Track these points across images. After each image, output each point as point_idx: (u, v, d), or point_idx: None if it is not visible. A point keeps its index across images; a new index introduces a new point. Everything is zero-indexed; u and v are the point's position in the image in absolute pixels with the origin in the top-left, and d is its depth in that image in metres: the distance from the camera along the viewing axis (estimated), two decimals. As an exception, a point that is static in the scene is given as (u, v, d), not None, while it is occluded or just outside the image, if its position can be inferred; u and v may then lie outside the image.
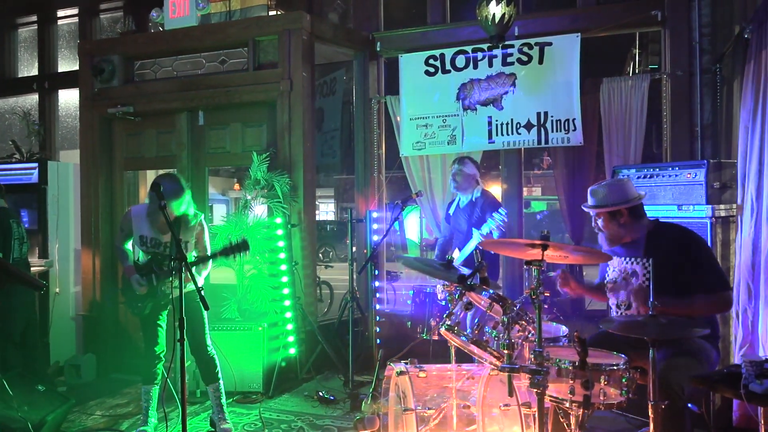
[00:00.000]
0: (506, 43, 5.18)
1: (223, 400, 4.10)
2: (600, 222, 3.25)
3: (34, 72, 7.69)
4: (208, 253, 3.99)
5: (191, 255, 3.92)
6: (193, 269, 3.83)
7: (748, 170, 3.78)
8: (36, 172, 5.69)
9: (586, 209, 3.31)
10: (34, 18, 7.65)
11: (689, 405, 2.93)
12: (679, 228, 3.25)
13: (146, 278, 3.87)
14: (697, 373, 3.02)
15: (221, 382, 4.11)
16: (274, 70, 5.41)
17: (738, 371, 2.88)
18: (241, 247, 3.69)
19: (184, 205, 3.81)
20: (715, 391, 3.09)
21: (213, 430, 4.11)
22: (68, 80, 7.17)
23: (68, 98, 7.49)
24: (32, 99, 7.65)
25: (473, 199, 4.77)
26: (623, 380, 2.56)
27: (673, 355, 2.94)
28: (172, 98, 5.72)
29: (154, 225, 3.89)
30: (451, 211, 4.96)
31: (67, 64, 7.52)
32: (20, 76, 7.81)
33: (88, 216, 5.94)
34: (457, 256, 4.69)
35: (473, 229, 4.41)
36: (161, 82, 5.86)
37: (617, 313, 3.30)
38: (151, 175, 6.70)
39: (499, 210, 4.25)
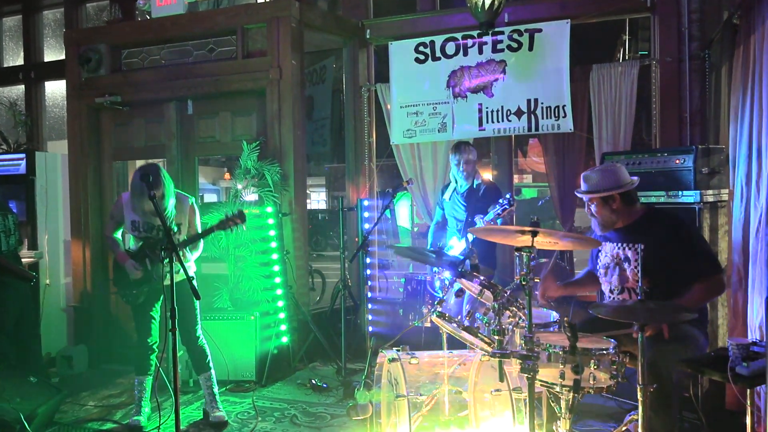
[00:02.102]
0: (496, 29, 5.17)
1: (216, 389, 4.12)
2: (593, 207, 3.27)
3: (20, 62, 7.59)
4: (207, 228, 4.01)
5: (183, 238, 3.93)
6: (187, 249, 3.85)
7: (738, 156, 3.81)
8: (24, 163, 5.63)
9: (579, 195, 3.32)
10: (19, 7, 7.55)
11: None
12: (672, 214, 3.28)
13: (140, 263, 3.87)
14: (685, 357, 3.06)
15: (213, 371, 4.13)
16: (263, 59, 5.37)
17: (725, 354, 2.93)
18: (237, 218, 3.70)
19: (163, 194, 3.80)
20: (703, 374, 3.13)
21: (206, 419, 4.12)
22: (55, 70, 7.09)
23: (55, 88, 7.42)
24: (18, 89, 7.56)
25: (474, 186, 4.76)
26: (613, 364, 2.59)
27: (662, 340, 2.97)
28: (161, 87, 5.67)
29: (143, 210, 3.87)
30: (446, 197, 4.94)
31: (54, 53, 7.44)
32: (6, 66, 7.72)
33: (78, 207, 5.90)
34: (456, 244, 4.69)
35: (477, 217, 4.40)
36: (149, 71, 5.80)
37: (609, 298, 3.33)
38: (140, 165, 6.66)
39: (506, 195, 4.27)
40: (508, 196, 4.29)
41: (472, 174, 4.78)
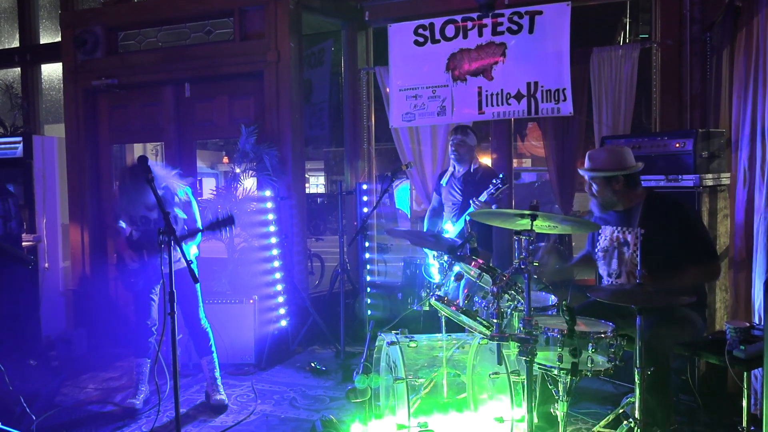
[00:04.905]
0: (496, 12, 5.12)
1: (217, 373, 4.14)
2: (594, 187, 3.26)
3: (16, 44, 7.51)
4: (199, 224, 3.99)
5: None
6: (183, 242, 3.84)
7: (741, 139, 3.79)
8: (21, 146, 5.60)
9: (582, 173, 3.31)
10: (14, -12, 7.45)
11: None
12: (673, 199, 3.27)
13: (137, 253, 3.88)
14: (682, 340, 3.07)
15: (215, 354, 4.14)
16: (260, 41, 5.32)
17: (722, 338, 2.94)
18: (227, 222, 3.66)
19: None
20: (700, 357, 3.16)
21: (207, 401, 4.14)
22: (51, 52, 7.00)
23: (51, 71, 7.35)
24: (14, 72, 7.49)
25: (471, 170, 4.72)
26: (610, 348, 2.60)
27: (660, 323, 2.98)
28: (158, 70, 5.64)
29: (139, 204, 3.87)
30: (443, 182, 4.92)
31: (50, 35, 7.36)
32: (1, 48, 7.63)
33: (76, 190, 5.88)
34: (450, 229, 4.69)
35: (471, 200, 4.39)
36: (146, 53, 5.75)
37: (608, 281, 3.33)
38: (138, 149, 6.64)
39: (499, 175, 4.26)
40: (501, 175, 4.27)
41: (465, 158, 4.71)
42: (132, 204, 3.88)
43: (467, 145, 4.70)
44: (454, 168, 4.81)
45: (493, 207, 4.36)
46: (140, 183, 3.48)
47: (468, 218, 3.23)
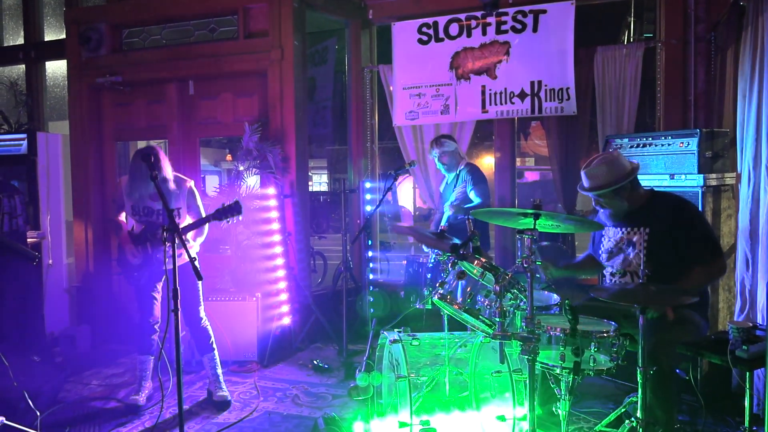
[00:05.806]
0: (500, 10, 5.12)
1: (219, 370, 4.15)
2: (603, 200, 3.23)
3: (20, 41, 7.53)
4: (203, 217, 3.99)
5: (184, 223, 3.91)
6: (189, 236, 3.85)
7: (744, 139, 3.78)
8: (25, 143, 5.62)
9: (588, 194, 3.27)
10: (19, -15, 7.46)
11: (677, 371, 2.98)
12: (675, 197, 3.28)
13: (141, 247, 3.89)
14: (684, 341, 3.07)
15: (216, 352, 4.15)
16: (264, 39, 5.33)
17: (725, 337, 2.94)
18: (233, 209, 3.66)
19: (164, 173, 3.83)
20: (702, 357, 3.15)
21: (210, 398, 4.15)
22: (55, 49, 7.02)
23: (56, 68, 7.37)
24: (19, 69, 7.51)
25: (458, 173, 4.93)
26: (613, 347, 2.60)
27: (662, 325, 2.97)
28: (162, 67, 5.65)
29: (142, 193, 3.88)
30: (441, 188, 5.14)
31: (54, 32, 7.37)
32: (6, 45, 7.65)
33: (80, 187, 5.90)
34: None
35: (446, 204, 4.55)
36: (150, 51, 5.77)
37: (611, 281, 3.33)
38: (143, 146, 6.65)
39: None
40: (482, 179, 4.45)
41: (453, 164, 4.93)
42: (137, 190, 3.89)
43: (447, 153, 4.92)
44: (447, 176, 5.05)
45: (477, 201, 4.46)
46: (153, 169, 3.47)
47: (470, 217, 3.22)
